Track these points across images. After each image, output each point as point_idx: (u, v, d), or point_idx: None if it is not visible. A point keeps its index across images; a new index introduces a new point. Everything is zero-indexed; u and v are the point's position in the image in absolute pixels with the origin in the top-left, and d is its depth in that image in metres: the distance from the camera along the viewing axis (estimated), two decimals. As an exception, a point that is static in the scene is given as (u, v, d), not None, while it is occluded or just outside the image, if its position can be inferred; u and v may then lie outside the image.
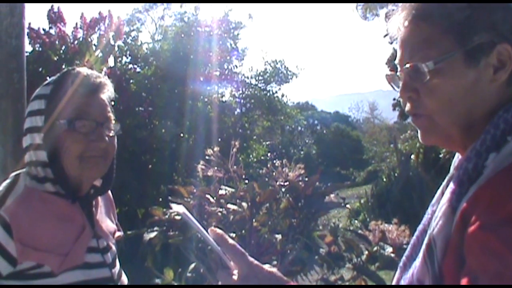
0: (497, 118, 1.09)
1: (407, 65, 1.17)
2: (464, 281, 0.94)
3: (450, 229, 1.06)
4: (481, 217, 0.98)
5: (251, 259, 1.16)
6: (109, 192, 2.03)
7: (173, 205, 1.28)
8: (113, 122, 1.81)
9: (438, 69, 1.12)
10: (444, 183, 1.26)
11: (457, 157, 1.29)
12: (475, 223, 0.98)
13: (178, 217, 3.67)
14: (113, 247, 1.90)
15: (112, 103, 1.86)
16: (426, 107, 1.16)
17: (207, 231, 1.20)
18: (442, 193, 1.20)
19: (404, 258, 1.26)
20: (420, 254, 1.12)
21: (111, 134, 1.79)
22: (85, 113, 1.73)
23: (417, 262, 1.13)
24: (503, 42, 1.11)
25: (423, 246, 1.11)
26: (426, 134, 1.22)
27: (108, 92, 1.83)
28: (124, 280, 1.91)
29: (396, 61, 1.23)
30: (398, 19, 1.21)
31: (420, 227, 1.25)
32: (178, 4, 16.86)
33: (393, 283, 1.26)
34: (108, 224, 1.94)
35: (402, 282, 1.19)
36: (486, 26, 1.12)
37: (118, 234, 2.00)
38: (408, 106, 1.22)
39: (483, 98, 1.13)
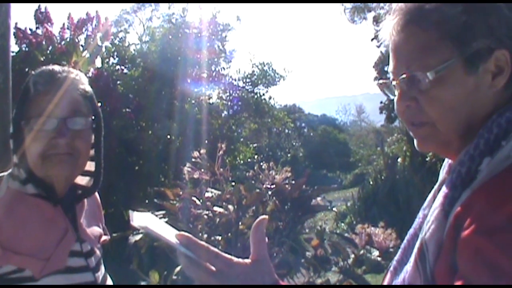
0: (491, 123, 1.08)
1: (404, 75, 1.15)
2: (457, 284, 0.94)
3: (442, 233, 1.05)
4: (475, 222, 0.97)
5: (229, 256, 1.08)
6: (97, 195, 2.00)
7: (135, 216, 1.13)
8: (82, 116, 1.74)
9: (438, 78, 1.10)
10: (436, 187, 1.25)
11: (447, 161, 1.28)
12: (468, 227, 0.97)
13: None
14: (98, 251, 1.86)
15: (81, 97, 1.77)
16: (428, 115, 1.14)
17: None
18: (434, 197, 1.18)
19: (394, 262, 1.24)
20: (412, 259, 1.11)
21: (77, 128, 1.72)
22: (43, 110, 1.67)
23: (409, 267, 1.11)
24: (500, 47, 1.10)
25: (415, 250, 1.10)
26: (425, 142, 1.20)
27: (73, 86, 1.75)
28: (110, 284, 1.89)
29: (390, 69, 1.20)
30: (391, 24, 1.18)
31: (411, 231, 1.24)
32: (166, 6, 16.81)
33: None
34: (93, 227, 1.90)
35: None
36: (483, 31, 1.10)
37: (104, 238, 1.96)
38: (405, 115, 1.19)
39: (482, 104, 1.12)
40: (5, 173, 1.75)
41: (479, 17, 1.11)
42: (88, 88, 1.81)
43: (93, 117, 1.80)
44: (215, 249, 1.08)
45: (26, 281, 1.59)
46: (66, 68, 1.80)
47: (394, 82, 1.20)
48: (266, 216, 1.13)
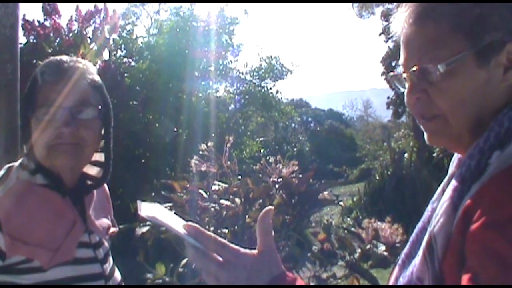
0: (502, 116, 1.07)
1: (415, 67, 1.14)
2: (465, 278, 0.93)
3: (451, 226, 1.04)
4: (484, 215, 0.96)
5: (236, 247, 1.07)
6: (106, 186, 1.99)
7: (143, 206, 1.14)
8: (88, 106, 1.72)
9: (449, 70, 1.09)
10: (445, 180, 1.24)
11: (456, 155, 1.28)
12: (478, 221, 0.96)
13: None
14: (106, 243, 1.86)
15: (89, 86, 1.75)
16: (439, 108, 1.13)
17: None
18: (443, 191, 1.18)
19: (402, 255, 1.24)
20: (420, 252, 1.10)
21: (83, 118, 1.70)
22: (49, 99, 1.66)
23: (417, 260, 1.11)
24: None
25: (423, 244, 1.09)
26: (435, 136, 1.19)
27: (80, 76, 1.73)
28: (117, 276, 1.88)
29: (401, 62, 1.20)
30: (403, 16, 1.17)
31: (420, 224, 1.23)
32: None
33: (391, 282, 1.24)
34: (102, 219, 1.90)
35: (401, 280, 1.17)
36: (496, 24, 1.09)
37: (112, 229, 1.95)
38: (416, 107, 1.18)
39: (493, 97, 1.10)
40: (16, 163, 1.74)
41: (492, 10, 1.09)
42: (97, 78, 1.79)
43: (101, 107, 1.78)
44: (223, 240, 1.07)
45: (34, 272, 1.59)
46: (75, 58, 1.78)
47: (404, 75, 1.19)
48: (272, 207, 1.12)
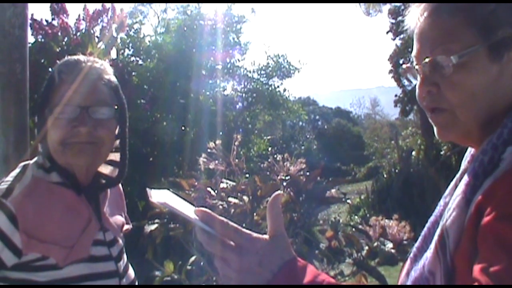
0: None
1: (427, 59, 1.15)
2: (476, 269, 0.94)
3: (463, 220, 1.05)
4: (496, 208, 0.97)
5: (248, 231, 1.05)
6: (119, 184, 2.00)
7: (153, 193, 1.12)
8: (105, 106, 1.75)
9: (461, 63, 1.10)
10: (457, 175, 1.25)
11: (469, 151, 1.28)
12: (490, 214, 0.97)
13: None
14: (120, 241, 1.88)
15: (105, 86, 1.78)
16: (449, 101, 1.14)
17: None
18: (456, 185, 1.18)
19: (414, 249, 1.25)
20: (432, 246, 1.11)
21: (99, 117, 1.72)
22: (66, 98, 1.68)
23: (429, 254, 1.11)
24: None
25: (435, 237, 1.10)
26: (445, 130, 1.20)
27: (97, 75, 1.76)
28: (131, 274, 1.89)
29: (414, 54, 1.21)
30: (417, 10, 1.19)
31: (432, 218, 1.24)
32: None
33: (403, 275, 1.25)
34: (116, 216, 1.92)
35: (413, 274, 1.17)
36: (510, 20, 1.10)
37: (126, 227, 1.98)
38: (426, 100, 1.19)
39: (504, 93, 1.11)
40: (31, 162, 1.76)
41: (507, 6, 1.11)
42: (113, 79, 1.82)
43: (117, 108, 1.80)
44: (234, 224, 1.05)
45: (49, 269, 1.61)
46: (92, 58, 1.81)
47: (417, 67, 1.20)
48: (281, 192, 1.11)
